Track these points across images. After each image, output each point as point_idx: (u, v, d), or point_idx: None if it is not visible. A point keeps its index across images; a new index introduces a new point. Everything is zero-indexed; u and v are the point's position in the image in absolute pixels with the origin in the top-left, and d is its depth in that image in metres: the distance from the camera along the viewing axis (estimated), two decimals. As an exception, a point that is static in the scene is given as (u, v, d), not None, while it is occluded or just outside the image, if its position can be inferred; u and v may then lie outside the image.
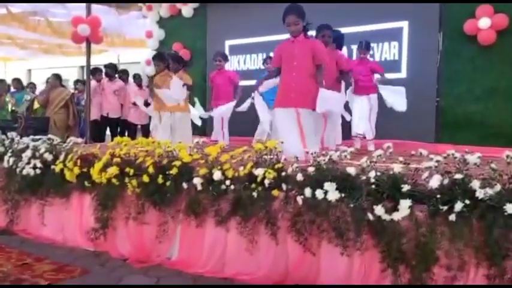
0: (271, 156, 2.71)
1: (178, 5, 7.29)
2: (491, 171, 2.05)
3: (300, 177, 2.44)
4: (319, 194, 2.29)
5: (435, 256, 1.99)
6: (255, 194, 2.54)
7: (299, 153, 2.99)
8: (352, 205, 2.22)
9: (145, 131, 7.65)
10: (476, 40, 5.00)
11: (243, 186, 2.62)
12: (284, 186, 2.49)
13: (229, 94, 5.27)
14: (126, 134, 7.56)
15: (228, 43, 7.04)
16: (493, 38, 4.92)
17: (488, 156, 2.33)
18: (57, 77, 7.04)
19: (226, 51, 7.04)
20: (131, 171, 2.99)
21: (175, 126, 4.65)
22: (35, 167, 3.50)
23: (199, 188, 2.73)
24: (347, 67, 4.48)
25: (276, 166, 2.61)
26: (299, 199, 2.39)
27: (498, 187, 1.92)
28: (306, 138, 3.39)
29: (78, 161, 3.28)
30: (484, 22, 4.87)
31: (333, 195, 2.25)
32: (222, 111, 5.19)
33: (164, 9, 7.47)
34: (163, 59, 4.85)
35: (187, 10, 7.25)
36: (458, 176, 2.03)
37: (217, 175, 2.69)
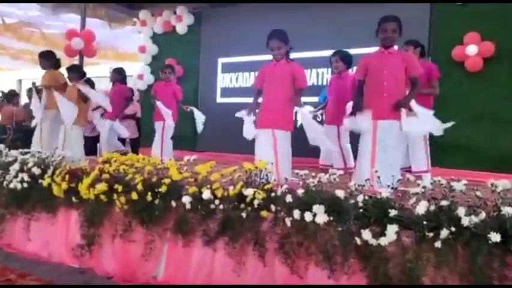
0: (261, 177, 2.73)
1: (173, 22, 7.36)
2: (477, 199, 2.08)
3: (289, 198, 2.45)
4: (307, 216, 2.30)
5: (420, 282, 2.00)
6: (243, 214, 2.55)
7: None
8: (340, 229, 2.23)
9: (135, 145, 7.61)
10: (463, 66, 5.12)
11: (232, 206, 2.63)
12: (273, 208, 2.50)
13: (172, 107, 5.23)
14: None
15: (221, 61, 7.10)
16: (480, 64, 5.04)
17: (475, 181, 2.38)
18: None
19: (219, 69, 7.12)
20: (120, 188, 2.98)
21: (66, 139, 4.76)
22: (22, 181, 3.46)
23: (188, 206, 2.72)
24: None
25: (266, 187, 2.62)
26: (288, 221, 2.39)
27: (483, 215, 1.95)
28: (279, 164, 3.39)
29: (67, 176, 3.26)
30: (472, 49, 4.99)
31: (322, 218, 2.26)
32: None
33: (158, 26, 7.53)
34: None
35: (181, 27, 7.32)
36: (444, 202, 2.06)
37: (206, 194, 2.69)
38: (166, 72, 5.32)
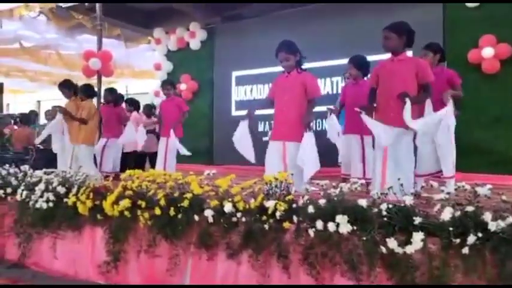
0: (282, 188, 2.74)
1: (186, 38, 7.48)
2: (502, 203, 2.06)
3: (311, 209, 2.45)
4: (331, 226, 2.30)
5: (449, 289, 1.98)
6: (266, 226, 2.56)
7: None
8: (364, 238, 2.22)
9: (154, 160, 7.66)
10: (480, 69, 5.08)
11: (254, 218, 2.64)
12: (295, 219, 2.50)
13: (178, 121, 5.19)
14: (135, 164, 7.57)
15: (235, 74, 7.18)
16: (496, 67, 4.99)
17: (499, 185, 2.35)
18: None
19: (233, 82, 7.19)
20: (143, 204, 3.02)
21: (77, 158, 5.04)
22: (47, 200, 3.53)
23: (210, 220, 2.74)
24: None
25: (287, 198, 2.63)
26: (311, 232, 2.39)
27: (510, 219, 1.93)
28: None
29: (91, 194, 3.32)
30: (488, 51, 4.95)
31: (345, 227, 2.26)
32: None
33: (172, 43, 7.66)
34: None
35: (194, 43, 7.44)
36: (469, 208, 2.04)
37: (228, 207, 2.71)
38: (165, 89, 5.35)
